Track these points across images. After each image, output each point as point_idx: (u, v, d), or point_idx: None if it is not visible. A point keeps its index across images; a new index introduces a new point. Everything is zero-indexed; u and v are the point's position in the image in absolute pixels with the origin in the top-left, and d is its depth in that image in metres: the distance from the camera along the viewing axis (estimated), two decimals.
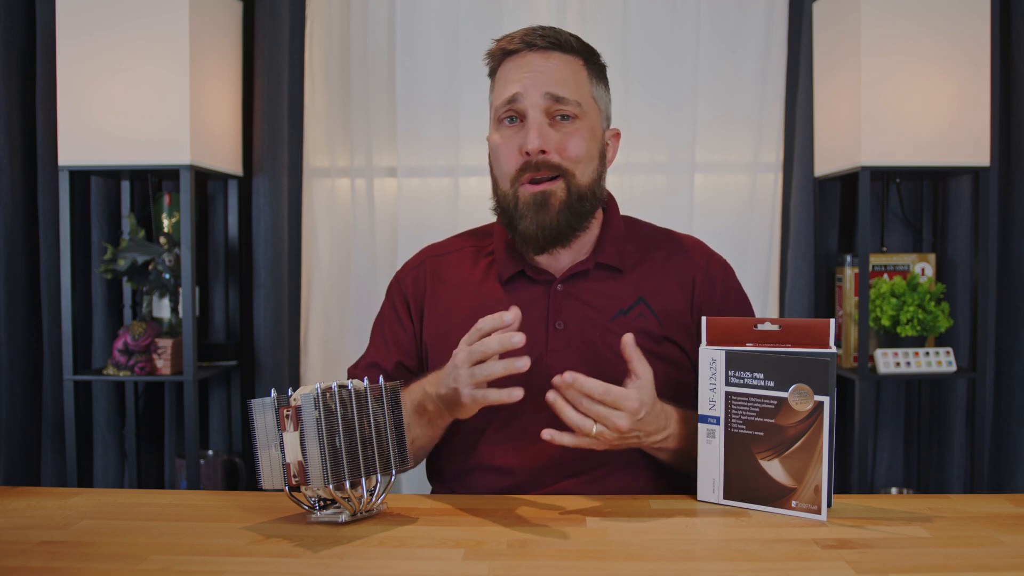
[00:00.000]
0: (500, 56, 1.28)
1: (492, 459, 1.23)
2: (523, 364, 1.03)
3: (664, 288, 1.28)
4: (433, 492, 1.34)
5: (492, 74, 1.30)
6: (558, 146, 1.22)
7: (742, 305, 1.34)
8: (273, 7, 2.23)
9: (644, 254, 1.32)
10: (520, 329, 1.19)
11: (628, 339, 1.07)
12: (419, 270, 1.37)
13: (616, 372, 1.09)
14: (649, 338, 1.25)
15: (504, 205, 1.26)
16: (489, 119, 1.31)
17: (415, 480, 2.28)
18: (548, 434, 1.05)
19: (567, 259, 1.29)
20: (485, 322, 1.06)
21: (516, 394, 1.04)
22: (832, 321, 1.08)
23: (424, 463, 1.35)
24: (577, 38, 1.28)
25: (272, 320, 2.24)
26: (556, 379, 1.04)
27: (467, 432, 1.24)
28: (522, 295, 1.27)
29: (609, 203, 1.34)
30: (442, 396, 1.14)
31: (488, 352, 1.05)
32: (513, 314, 1.05)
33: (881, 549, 0.92)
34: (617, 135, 1.34)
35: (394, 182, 2.35)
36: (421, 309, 1.33)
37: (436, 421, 1.20)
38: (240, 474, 2.27)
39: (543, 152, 1.21)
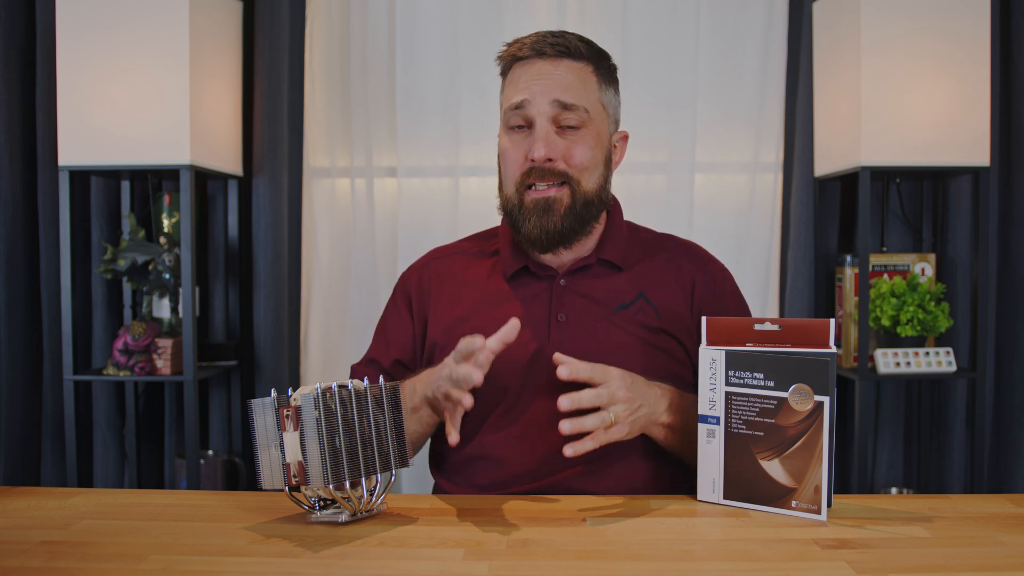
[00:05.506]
0: (510, 60, 1.29)
1: (491, 450, 1.24)
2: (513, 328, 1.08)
3: (664, 286, 1.31)
4: (434, 482, 1.35)
5: (504, 74, 1.32)
6: (564, 154, 1.24)
7: (741, 311, 1.36)
8: (273, 7, 2.23)
9: (645, 255, 1.34)
10: (523, 322, 1.21)
11: (562, 371, 1.07)
12: (424, 270, 1.40)
13: (616, 364, 1.11)
14: (647, 330, 1.27)
15: (508, 208, 1.29)
16: (500, 118, 1.33)
17: (416, 477, 2.28)
18: (571, 450, 1.06)
19: (570, 256, 1.31)
20: (464, 344, 1.07)
21: (467, 401, 1.07)
22: (832, 321, 1.08)
23: (427, 452, 1.38)
24: (588, 43, 1.28)
25: (272, 320, 2.24)
26: (560, 371, 1.07)
27: (467, 422, 1.25)
28: (526, 290, 1.30)
29: (613, 206, 1.36)
30: (428, 398, 1.19)
31: (471, 375, 1.07)
32: (499, 337, 1.08)
33: (881, 549, 0.93)
34: (625, 137, 1.36)
35: (394, 182, 2.35)
36: (425, 307, 1.35)
37: (425, 418, 1.24)
38: (240, 474, 2.27)
39: (549, 160, 1.24)
